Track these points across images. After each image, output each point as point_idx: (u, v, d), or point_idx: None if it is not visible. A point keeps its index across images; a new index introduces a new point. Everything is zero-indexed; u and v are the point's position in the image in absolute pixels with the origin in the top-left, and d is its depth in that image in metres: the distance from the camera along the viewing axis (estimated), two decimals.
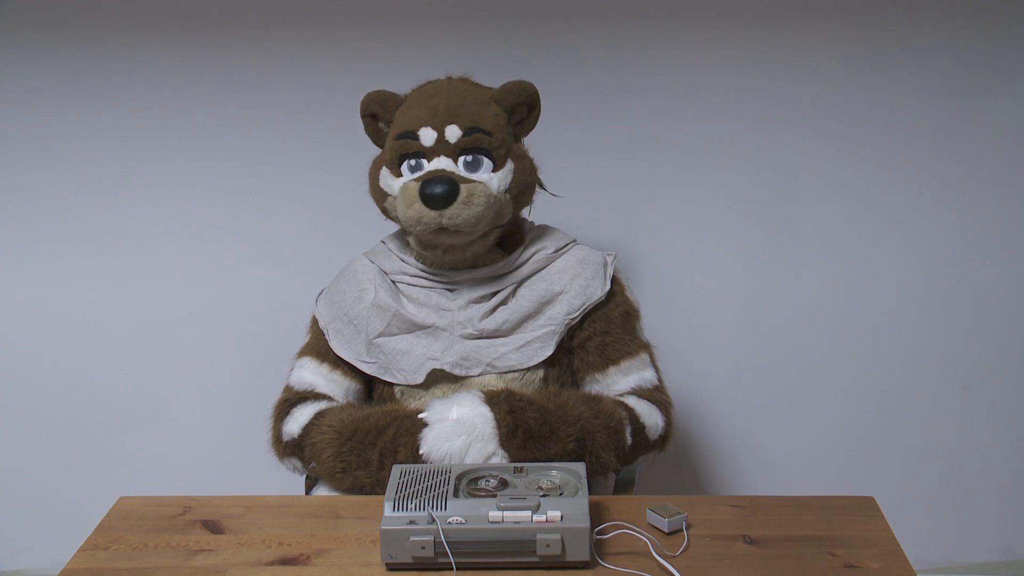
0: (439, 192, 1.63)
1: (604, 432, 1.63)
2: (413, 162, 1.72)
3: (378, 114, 1.80)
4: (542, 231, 1.84)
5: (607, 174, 2.27)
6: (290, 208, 2.29)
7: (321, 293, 1.87)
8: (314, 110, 2.21)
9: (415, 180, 1.68)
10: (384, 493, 1.45)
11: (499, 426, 1.56)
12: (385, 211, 1.78)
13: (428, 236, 1.69)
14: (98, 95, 2.22)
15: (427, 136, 1.71)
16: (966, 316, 2.36)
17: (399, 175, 1.73)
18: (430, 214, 1.64)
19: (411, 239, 1.76)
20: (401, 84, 1.84)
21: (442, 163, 1.70)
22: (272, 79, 2.22)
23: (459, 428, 1.56)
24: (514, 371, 1.71)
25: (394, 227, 1.86)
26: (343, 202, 2.09)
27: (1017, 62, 2.23)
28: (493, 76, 1.84)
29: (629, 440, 1.67)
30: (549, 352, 1.72)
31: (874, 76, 2.22)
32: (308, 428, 1.69)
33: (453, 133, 1.71)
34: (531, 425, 1.57)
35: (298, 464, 1.72)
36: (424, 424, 1.59)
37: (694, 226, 2.31)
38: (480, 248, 1.74)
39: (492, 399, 1.59)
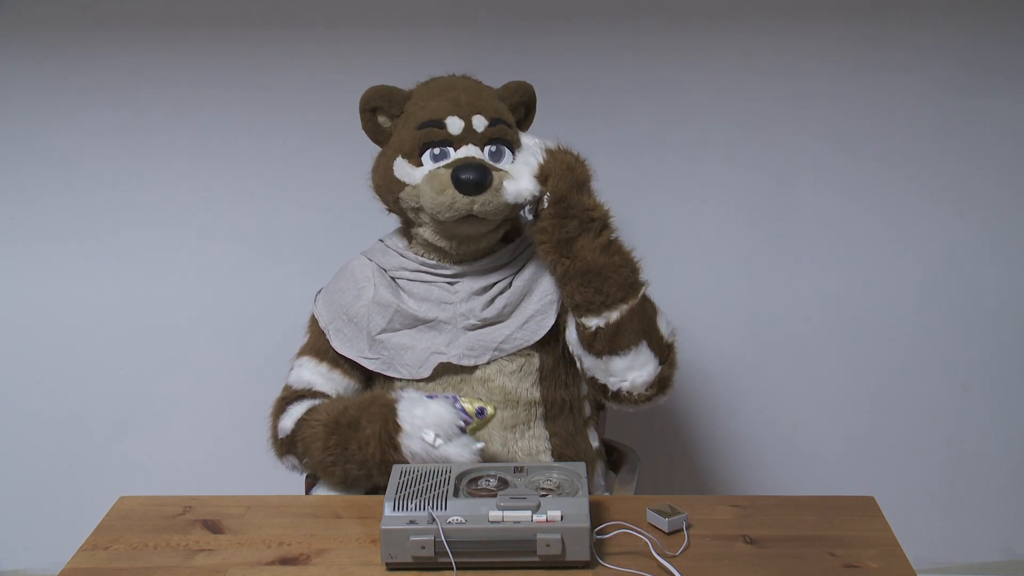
0: (474, 178, 1.64)
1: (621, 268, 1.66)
2: (437, 151, 1.72)
3: (381, 108, 1.79)
4: None
5: (607, 174, 2.26)
6: (290, 208, 2.29)
7: (319, 293, 1.87)
8: (314, 110, 2.21)
9: (445, 167, 1.69)
10: (376, 483, 1.45)
11: None
12: (398, 202, 1.76)
13: (451, 225, 1.70)
14: (97, 95, 2.22)
15: (455, 125, 1.72)
16: (966, 316, 2.36)
17: (419, 164, 1.73)
18: (463, 200, 1.65)
19: (423, 230, 1.75)
20: (401, 84, 1.84)
21: (471, 151, 1.71)
22: (272, 79, 2.22)
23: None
24: (516, 355, 1.72)
25: (393, 226, 1.86)
26: (343, 202, 2.09)
27: (1017, 62, 2.23)
28: (493, 76, 1.84)
29: (640, 294, 1.67)
30: (551, 321, 1.73)
31: (874, 76, 2.22)
32: (300, 424, 1.70)
33: (480, 123, 1.73)
34: None
35: (295, 462, 1.73)
36: (395, 402, 1.60)
37: (694, 226, 2.31)
38: (492, 240, 1.76)
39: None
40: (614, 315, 1.64)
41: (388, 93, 1.79)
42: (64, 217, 2.29)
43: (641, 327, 1.65)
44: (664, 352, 1.68)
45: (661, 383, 1.69)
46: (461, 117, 1.72)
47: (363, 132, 1.82)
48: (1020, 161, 2.28)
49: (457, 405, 1.58)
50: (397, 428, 1.57)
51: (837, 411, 2.41)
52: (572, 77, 2.21)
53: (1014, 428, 2.43)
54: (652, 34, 2.20)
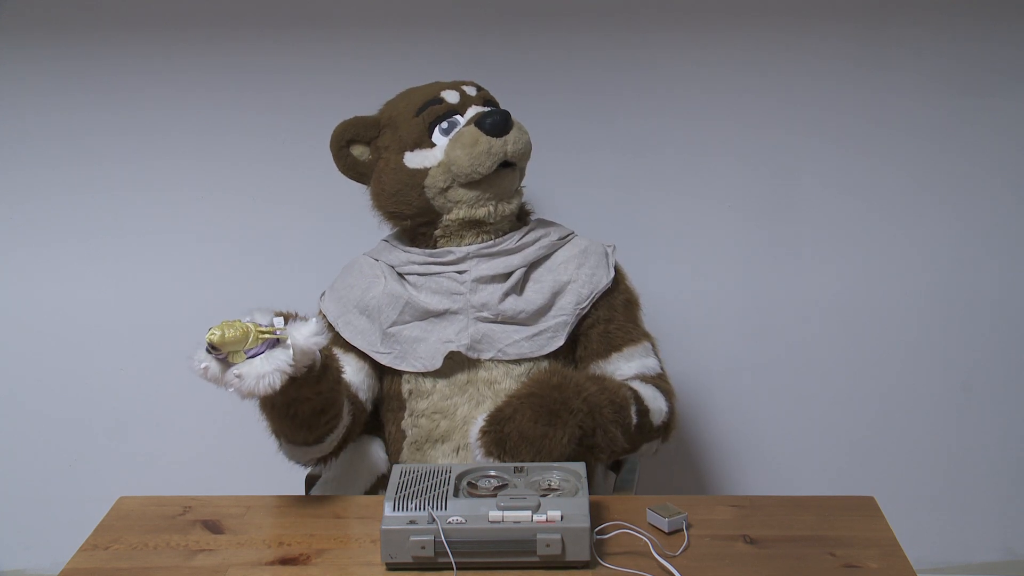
0: (499, 118, 1.70)
1: (610, 407, 1.62)
2: (445, 124, 1.76)
3: (357, 137, 1.81)
4: (544, 221, 1.87)
5: (607, 174, 2.27)
6: (290, 208, 2.29)
7: (323, 294, 1.87)
8: (315, 111, 2.21)
9: (464, 127, 1.73)
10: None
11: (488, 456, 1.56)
12: (423, 194, 1.75)
13: (490, 183, 1.73)
14: (98, 95, 2.22)
15: (451, 96, 1.78)
16: (966, 316, 2.36)
17: (432, 145, 1.75)
18: (497, 142, 1.70)
19: (456, 211, 1.75)
20: (401, 84, 1.85)
21: (478, 110, 1.76)
22: (273, 79, 2.22)
23: None
24: (522, 360, 1.73)
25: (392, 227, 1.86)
26: (342, 202, 2.09)
27: (1017, 62, 2.23)
28: (493, 75, 1.85)
29: (635, 419, 1.67)
30: (560, 342, 1.74)
31: (874, 76, 2.22)
32: None
33: (471, 90, 1.80)
34: (525, 428, 1.55)
35: (286, 447, 1.69)
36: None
37: (694, 226, 2.31)
38: (517, 205, 1.79)
39: (486, 440, 1.56)
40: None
41: (358, 121, 1.83)
42: (64, 217, 2.29)
43: (618, 443, 1.66)
44: (653, 432, 1.73)
45: (666, 430, 1.78)
46: (453, 89, 1.78)
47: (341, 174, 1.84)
48: (1020, 161, 2.28)
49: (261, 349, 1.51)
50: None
51: (837, 411, 2.41)
52: (572, 77, 2.21)
53: (1014, 429, 2.43)
54: (652, 33, 2.20)
